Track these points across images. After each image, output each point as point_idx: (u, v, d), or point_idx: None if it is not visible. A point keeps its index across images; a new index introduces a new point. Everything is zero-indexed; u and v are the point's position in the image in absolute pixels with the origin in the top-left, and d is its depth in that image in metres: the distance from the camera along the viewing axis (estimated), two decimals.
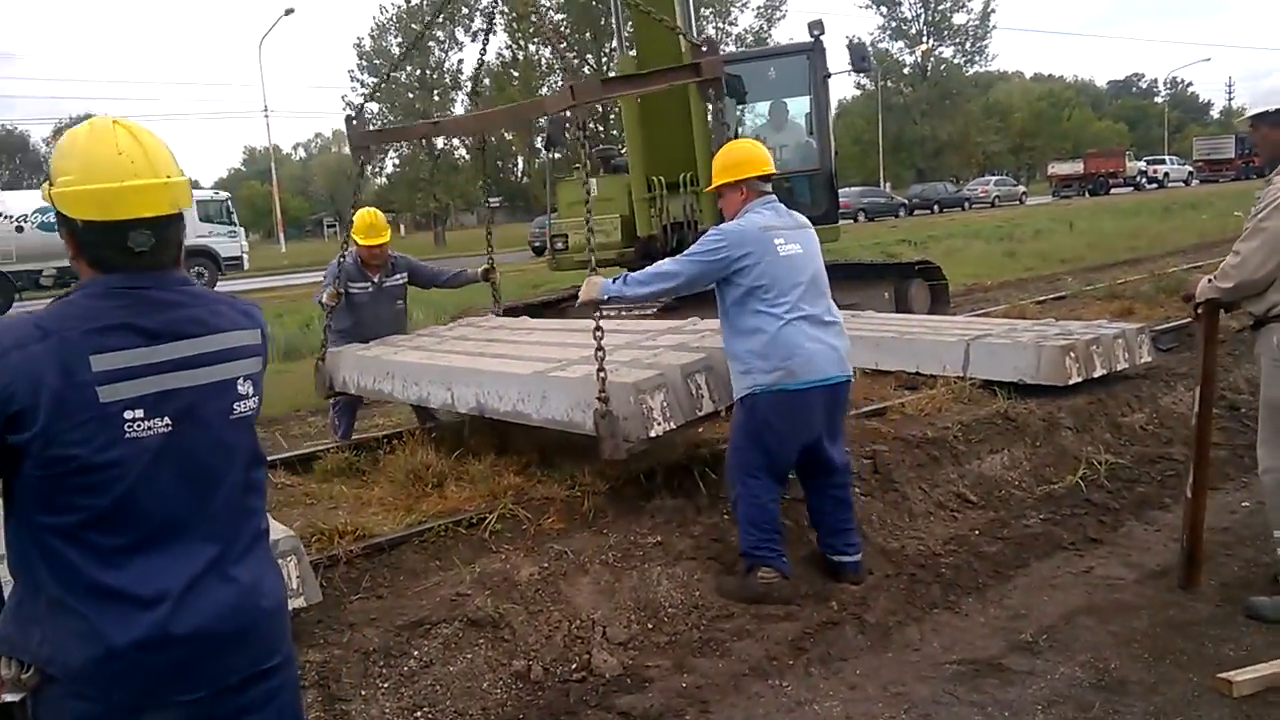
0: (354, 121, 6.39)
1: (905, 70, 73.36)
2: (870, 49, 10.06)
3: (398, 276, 6.85)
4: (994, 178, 60.00)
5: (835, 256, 12.72)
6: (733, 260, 4.18)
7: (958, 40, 71.68)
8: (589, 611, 4.06)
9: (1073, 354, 6.48)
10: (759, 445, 4.28)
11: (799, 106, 10.95)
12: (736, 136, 11.20)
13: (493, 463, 5.28)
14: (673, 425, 4.50)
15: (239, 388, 1.98)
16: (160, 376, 1.85)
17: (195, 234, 29.26)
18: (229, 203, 32.64)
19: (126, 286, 1.86)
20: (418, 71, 55.57)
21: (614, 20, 11.41)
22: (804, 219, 4.55)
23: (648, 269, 4.44)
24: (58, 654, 1.82)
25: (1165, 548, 4.77)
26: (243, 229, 32.80)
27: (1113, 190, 55.14)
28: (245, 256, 30.92)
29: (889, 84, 72.18)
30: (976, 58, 72.70)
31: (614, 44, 11.57)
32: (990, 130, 71.86)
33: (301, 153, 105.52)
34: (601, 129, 46.43)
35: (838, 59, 10.82)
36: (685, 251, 4.37)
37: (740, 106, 11.17)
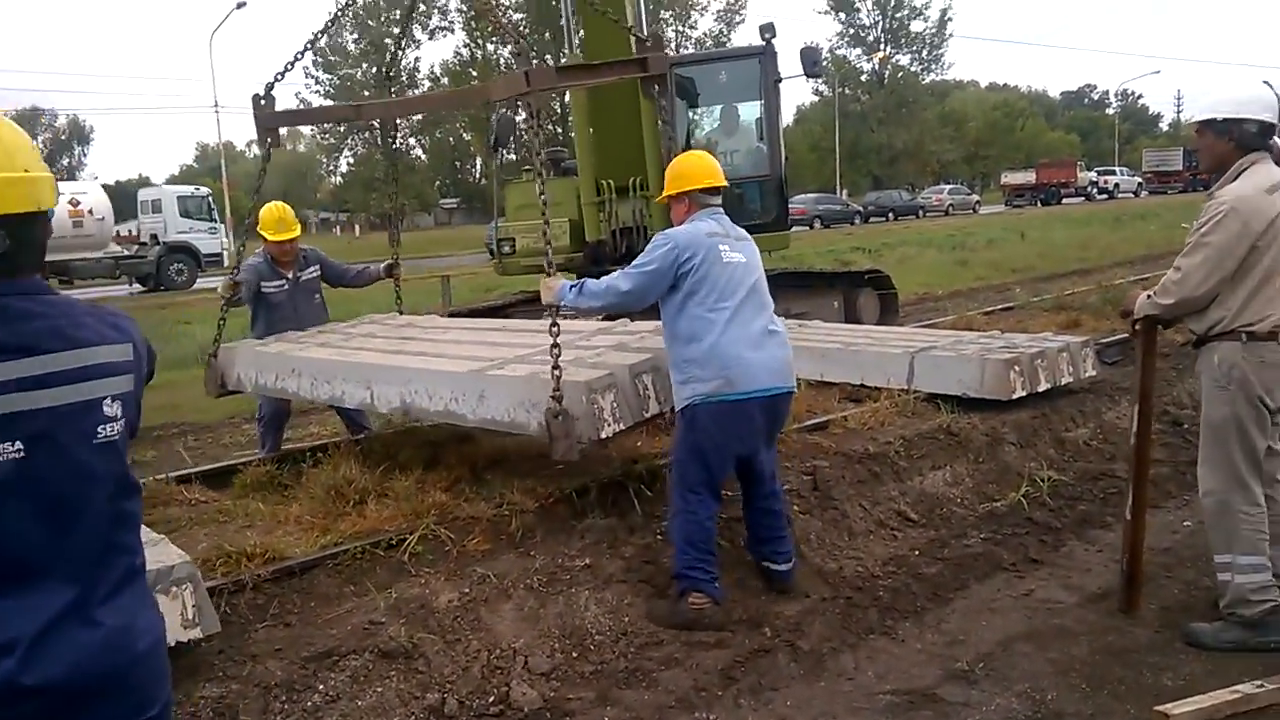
0: (261, 102, 5.87)
1: (863, 78, 74.06)
2: (822, 54, 9.96)
3: (311, 270, 6.61)
4: (948, 186, 60.57)
5: (786, 264, 12.67)
6: (679, 260, 4.11)
7: (915, 48, 72.61)
8: (510, 640, 3.87)
9: (1017, 368, 6.40)
10: (699, 458, 4.16)
11: (750, 111, 10.84)
12: (688, 140, 11.13)
13: (419, 478, 5.06)
14: (622, 426, 4.40)
15: (105, 409, 1.79)
16: (8, 396, 1.65)
17: (176, 230, 29.86)
18: (209, 199, 32.62)
19: None
20: (374, 70, 55.05)
21: (564, 20, 11.23)
22: (745, 233, 4.49)
23: (602, 280, 4.35)
24: None
25: (1106, 569, 4.68)
26: (223, 225, 32.37)
27: (1064, 200, 55.92)
28: (226, 253, 29.97)
29: (846, 91, 72.76)
30: (933, 66, 73.75)
31: (572, 45, 11.33)
32: (945, 139, 72.68)
33: (254, 150, 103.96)
34: (559, 130, 46.22)
35: (792, 64, 10.67)
36: (633, 263, 4.26)
37: (692, 110, 11.04)
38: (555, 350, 4.18)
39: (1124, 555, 4.19)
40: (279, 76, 5.69)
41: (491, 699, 3.61)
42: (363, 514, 4.54)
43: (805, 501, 5.10)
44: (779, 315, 9.74)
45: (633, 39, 6.65)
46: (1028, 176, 59.41)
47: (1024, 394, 6.40)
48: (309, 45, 5.76)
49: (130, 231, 33.95)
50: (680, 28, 62.17)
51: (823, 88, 74.83)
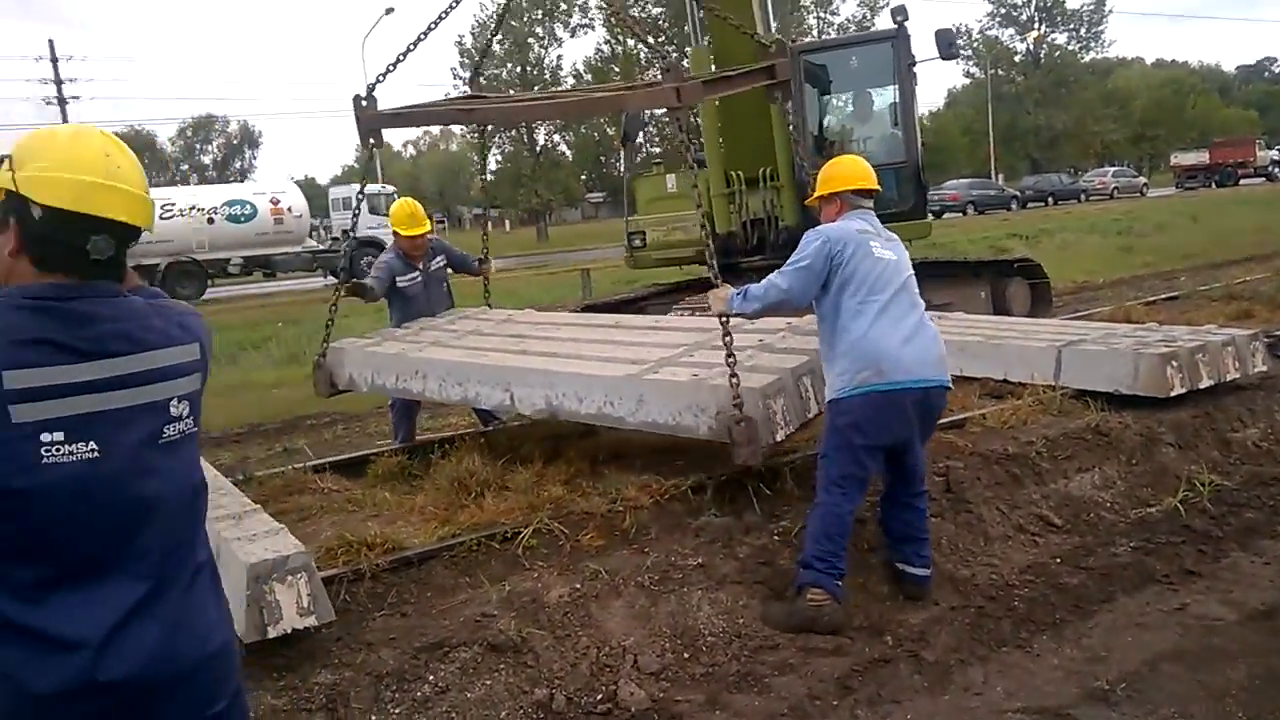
0: (363, 103, 5.88)
1: (1016, 58, 70.92)
2: (958, 36, 9.51)
3: (438, 260, 6.83)
4: (1112, 168, 57.38)
5: (929, 252, 12.21)
6: (831, 254, 4.11)
7: (1072, 26, 68.95)
8: (620, 638, 3.81)
9: (1175, 363, 5.94)
10: (847, 450, 4.09)
11: (884, 97, 10.46)
12: (821, 128, 10.84)
13: (539, 471, 5.07)
14: (791, 429, 4.54)
15: (172, 409, 1.81)
16: (82, 398, 1.68)
17: (366, 225, 31.13)
18: (395, 195, 34.04)
19: (52, 298, 1.70)
20: (518, 69, 56.14)
21: (690, 17, 11.10)
22: (895, 235, 4.47)
23: (761, 283, 4.30)
24: None
25: (1273, 583, 4.28)
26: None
27: (1242, 181, 52.05)
28: None
29: (999, 72, 69.87)
30: (1092, 44, 69.86)
31: (698, 38, 11.21)
32: (1108, 119, 68.74)
33: (411, 150, 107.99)
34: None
35: (929, 47, 10.23)
36: (787, 261, 4.22)
37: (824, 97, 10.74)
38: (731, 360, 4.26)
39: None
40: (380, 78, 5.78)
41: (599, 697, 3.56)
42: (481, 506, 4.57)
43: (937, 504, 4.85)
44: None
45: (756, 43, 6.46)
46: (1200, 157, 55.57)
47: (1183, 391, 5.93)
48: (410, 49, 5.82)
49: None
50: (821, 14, 60.86)
51: (974, 69, 72.27)
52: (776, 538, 4.41)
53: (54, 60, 46.58)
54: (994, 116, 63.25)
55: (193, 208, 28.38)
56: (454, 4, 5.86)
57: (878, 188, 4.46)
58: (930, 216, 10.30)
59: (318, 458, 6.68)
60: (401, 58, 5.92)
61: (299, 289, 28.88)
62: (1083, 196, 49.73)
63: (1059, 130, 67.43)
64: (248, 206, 29.48)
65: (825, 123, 11.02)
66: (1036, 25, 69.48)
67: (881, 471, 4.26)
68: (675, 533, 4.43)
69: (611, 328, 6.32)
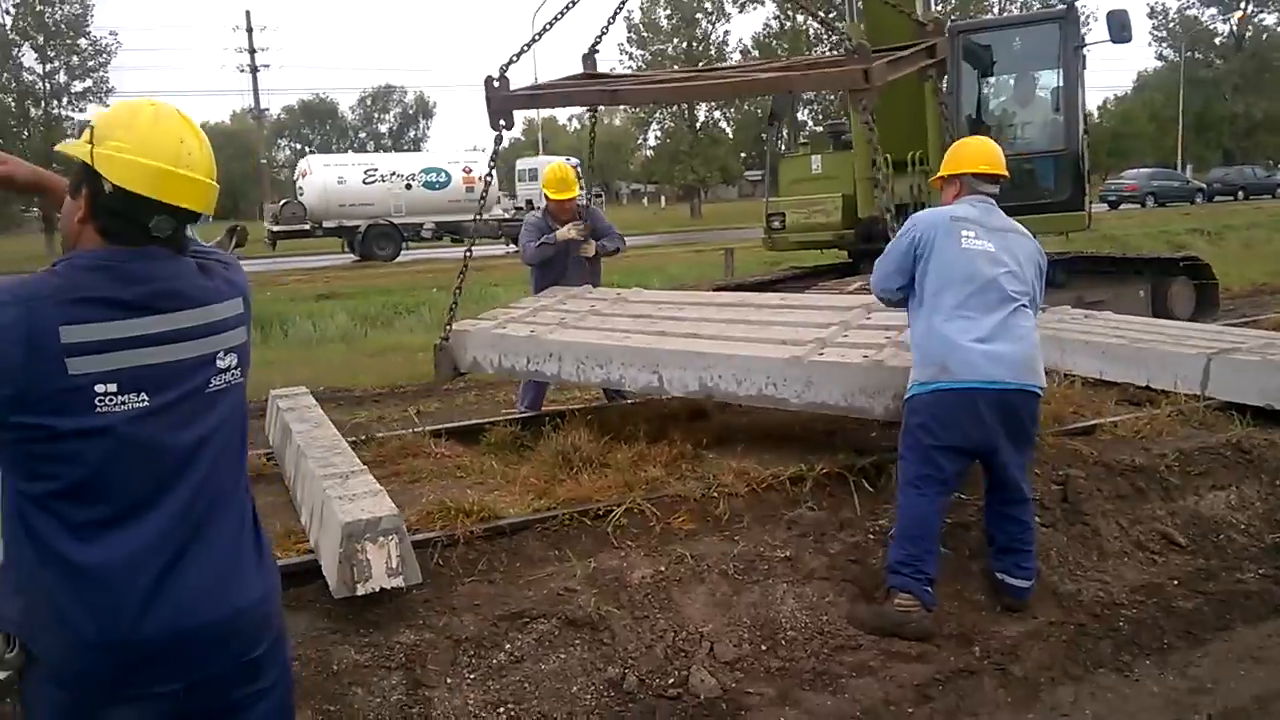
0: (494, 84, 5.85)
1: (1217, 40, 66.10)
2: (1129, 17, 8.91)
3: (582, 224, 6.85)
4: None
5: (1093, 246, 11.59)
6: (917, 243, 4.00)
7: None
8: (698, 624, 3.82)
9: None
10: (918, 450, 3.96)
11: (1048, 80, 9.95)
12: (979, 110, 10.41)
13: (642, 451, 5.12)
14: None
15: (219, 361, 1.94)
16: (135, 351, 1.81)
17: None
18: (579, 168, 35.45)
19: (109, 261, 1.83)
20: (684, 44, 56.06)
21: None
22: (1014, 226, 4.20)
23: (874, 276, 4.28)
24: (36, 634, 1.83)
25: None
26: (590, 191, 36.05)
27: None
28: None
29: (1196, 55, 65.31)
30: None
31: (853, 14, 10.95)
32: None
33: (575, 124, 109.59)
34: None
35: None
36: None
37: (984, 79, 10.31)
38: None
39: None
40: (514, 59, 5.81)
41: (671, 680, 3.58)
42: (579, 481, 4.65)
43: (1050, 514, 4.65)
44: (1071, 304, 8.99)
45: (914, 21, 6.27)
46: None
47: None
48: (544, 31, 5.83)
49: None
50: None
51: (1168, 51, 67.80)
52: (871, 536, 4.32)
53: (249, 30, 49.52)
54: (1186, 102, 59.25)
55: (393, 173, 30.17)
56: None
57: (1004, 173, 4.24)
58: (1088, 209, 9.72)
59: (443, 422, 6.95)
60: (537, 37, 6.00)
61: (484, 254, 30.03)
62: (1278, 191, 46.06)
63: (1258, 120, 62.57)
64: (443, 174, 31.05)
65: (984, 106, 10.59)
66: (1242, 5, 64.57)
67: (962, 473, 4.10)
68: (768, 523, 4.40)
69: (738, 306, 6.28)
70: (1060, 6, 9.48)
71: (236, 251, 6.61)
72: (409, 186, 29.90)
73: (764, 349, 5.01)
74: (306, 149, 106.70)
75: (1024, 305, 4.03)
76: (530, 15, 44.54)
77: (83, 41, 50.81)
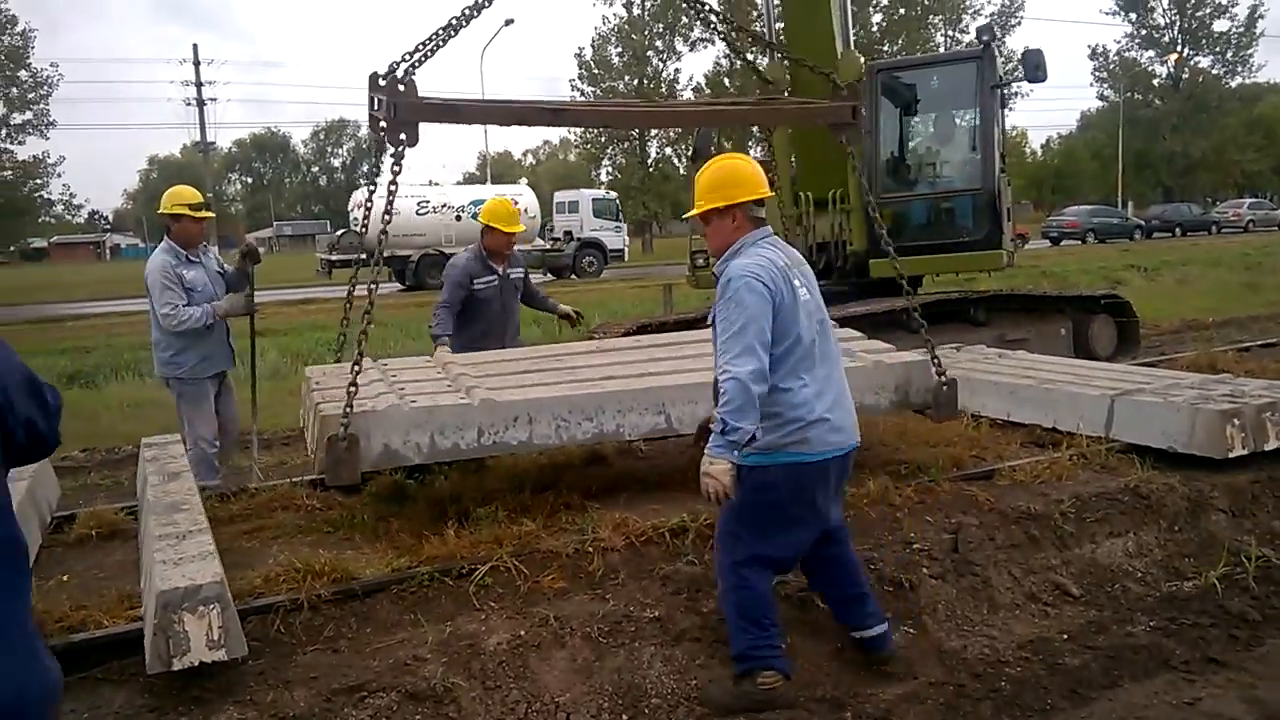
0: (398, 86, 4.51)
1: (1156, 81, 67.90)
2: (1044, 58, 8.94)
3: (518, 270, 6.47)
4: (1248, 200, 54.21)
5: (1008, 284, 11.57)
6: (774, 299, 3.43)
7: (1218, 49, 65.62)
8: (555, 693, 3.58)
9: (1237, 420, 5.39)
10: (764, 527, 3.58)
11: (968, 119, 9.97)
12: (903, 149, 10.40)
13: (524, 501, 4.88)
14: None
15: None
16: None
17: (589, 228, 34.95)
18: (617, 201, 38.45)
19: None
20: (635, 81, 56.40)
21: (768, 22, 10.81)
22: (801, 258, 3.79)
23: (730, 393, 3.31)
24: None
25: None
26: (625, 225, 38.24)
27: None
28: (625, 249, 36.70)
29: (1136, 95, 66.99)
30: (1239, 68, 66.33)
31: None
32: (1250, 148, 65.17)
33: (531, 159, 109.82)
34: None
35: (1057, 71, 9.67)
36: (723, 334, 3.41)
37: (906, 118, 10.30)
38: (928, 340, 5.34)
39: None
40: (423, 54, 4.70)
41: None
42: (444, 539, 4.39)
43: (939, 564, 4.48)
44: (992, 342, 8.92)
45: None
46: None
47: (1245, 452, 5.38)
48: (457, 25, 4.90)
49: None
50: (950, 33, 59.48)
51: (1109, 92, 69.43)
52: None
53: (196, 63, 48.98)
54: (1127, 141, 60.64)
55: (444, 205, 31.46)
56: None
57: (771, 194, 3.81)
58: (1007, 247, 9.70)
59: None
60: (452, 32, 4.87)
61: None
62: (1214, 228, 47.16)
63: (1196, 158, 64.24)
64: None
65: (904, 144, 10.58)
66: (1179, 48, 66.43)
67: (802, 551, 3.73)
68: (643, 579, 4.18)
69: (647, 347, 6.13)
70: (978, 46, 9.48)
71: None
72: (459, 218, 30.68)
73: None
74: (263, 183, 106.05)
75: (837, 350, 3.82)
76: (480, 50, 44.36)
77: (23, 74, 50.06)
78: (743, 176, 3.61)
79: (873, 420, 6.28)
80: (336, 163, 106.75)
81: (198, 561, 3.51)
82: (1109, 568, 4.74)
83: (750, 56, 8.06)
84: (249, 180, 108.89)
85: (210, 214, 6.12)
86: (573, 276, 32.18)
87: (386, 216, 4.80)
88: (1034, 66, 8.98)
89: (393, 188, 4.79)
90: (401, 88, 4.56)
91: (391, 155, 4.62)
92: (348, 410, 4.30)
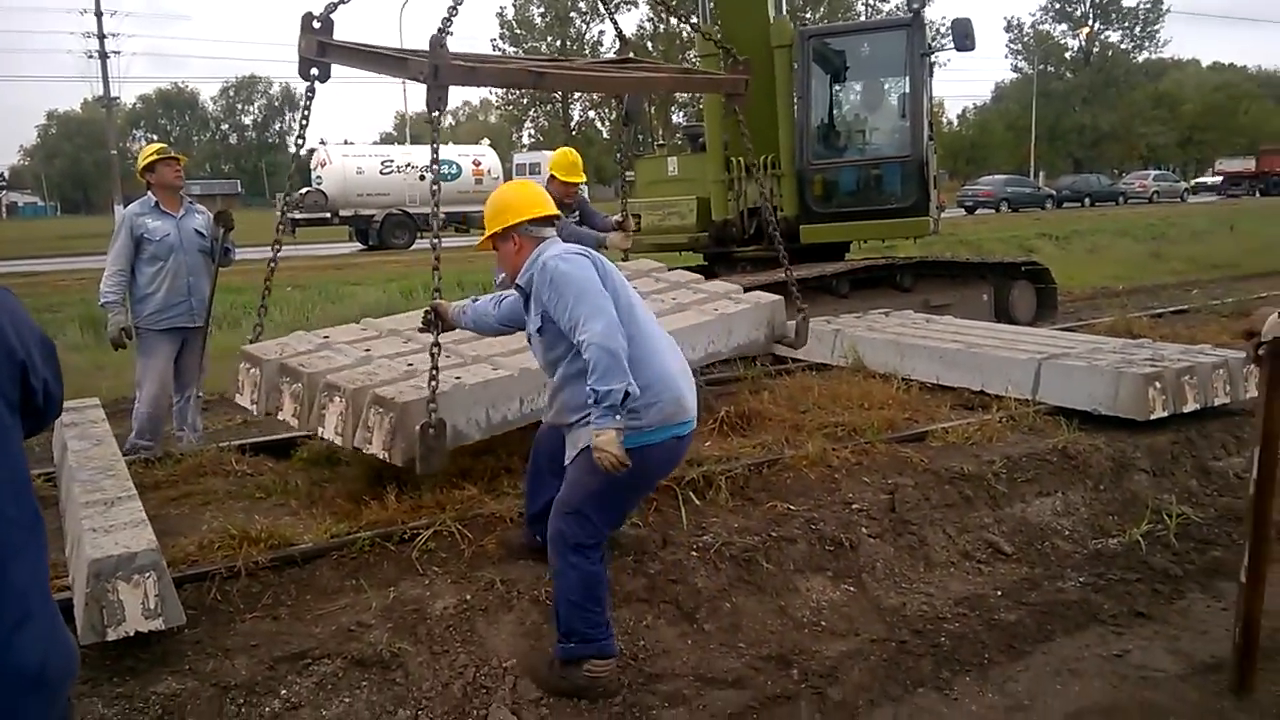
0: (314, 24, 4.65)
1: (1067, 54, 69.61)
2: (973, 26, 9.09)
3: (575, 215, 6.70)
4: (1154, 171, 56.07)
5: (930, 251, 11.79)
6: (600, 270, 3.41)
7: (1126, 24, 67.53)
8: (504, 657, 3.55)
9: (1158, 384, 5.58)
10: (612, 508, 3.49)
11: (897, 86, 10.06)
12: (831, 116, 10.46)
13: (465, 466, 4.81)
14: None
15: None
16: None
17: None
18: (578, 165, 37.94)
19: None
20: (558, 42, 55.76)
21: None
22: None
23: (596, 358, 3.18)
24: None
25: (1227, 632, 3.91)
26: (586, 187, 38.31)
27: None
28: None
29: (1049, 69, 68.59)
30: (1146, 43, 68.40)
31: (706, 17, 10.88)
32: (1156, 121, 67.36)
33: (450, 119, 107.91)
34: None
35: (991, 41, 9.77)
36: (563, 314, 3.32)
37: (835, 85, 10.36)
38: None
39: (1237, 624, 3.48)
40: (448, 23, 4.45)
41: None
42: (384, 503, 4.31)
43: (877, 524, 4.56)
44: (918, 307, 9.07)
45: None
46: (1247, 164, 54.28)
47: (1165, 414, 5.59)
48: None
49: None
50: (871, 1, 59.96)
51: (1023, 64, 70.95)
52: (694, 553, 4.12)
53: (99, 14, 46.77)
54: (1040, 113, 62.10)
55: (408, 164, 31.05)
56: None
57: (557, 213, 3.69)
58: (933, 214, 9.86)
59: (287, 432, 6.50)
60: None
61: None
62: (1121, 199, 48.69)
63: (1104, 130, 66.20)
64: (454, 166, 31.78)
65: (836, 111, 10.64)
66: (1090, 21, 68.13)
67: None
68: None
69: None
70: (908, 14, 9.55)
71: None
72: (423, 177, 29.89)
73: (682, 319, 5.59)
74: (169, 140, 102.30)
75: None
76: (399, 8, 43.32)
77: None
78: (512, 201, 3.58)
79: (807, 384, 6.40)
80: (247, 120, 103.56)
81: (130, 529, 3.38)
82: (1039, 526, 4.87)
83: (675, 20, 8.07)
84: (155, 137, 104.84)
85: (182, 157, 6.07)
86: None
87: (434, 181, 4.50)
88: (963, 35, 9.09)
89: (304, 123, 5.25)
90: (317, 25, 4.74)
91: (432, 115, 4.43)
92: (433, 396, 4.10)
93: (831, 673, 3.65)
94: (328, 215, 30.57)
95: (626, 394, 3.18)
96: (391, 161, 31.51)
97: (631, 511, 3.71)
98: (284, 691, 3.23)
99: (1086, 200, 47.78)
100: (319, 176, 30.67)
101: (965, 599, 4.24)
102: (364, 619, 3.56)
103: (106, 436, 4.77)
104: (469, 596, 3.73)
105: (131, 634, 3.12)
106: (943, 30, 39.06)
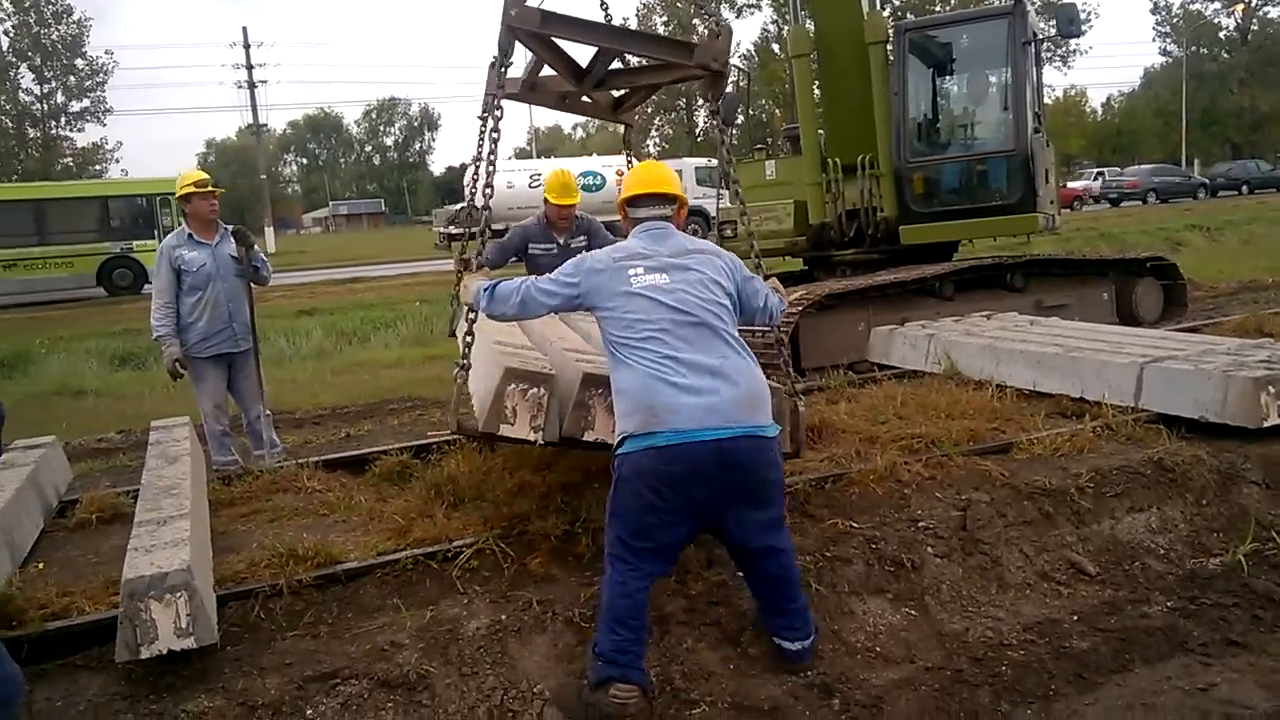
0: (493, 69, 4.49)
1: (1222, 34, 65.52)
2: (1078, 11, 8.61)
3: (580, 239, 6.70)
4: None
5: (1048, 248, 11.18)
6: (581, 292, 3.63)
7: None
8: (533, 679, 3.49)
9: (1272, 388, 5.12)
10: (621, 516, 3.42)
11: (1000, 77, 9.60)
12: (935, 111, 10.07)
13: (524, 480, 4.80)
14: None
15: None
16: None
17: (693, 196, 34.27)
18: (718, 171, 38.81)
19: None
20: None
21: None
22: (703, 244, 3.73)
23: (515, 286, 3.79)
24: None
25: None
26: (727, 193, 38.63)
27: None
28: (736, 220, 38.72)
29: (1201, 50, 64.71)
30: None
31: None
32: None
33: (580, 132, 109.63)
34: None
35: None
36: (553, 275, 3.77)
37: (935, 79, 9.98)
38: None
39: None
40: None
41: None
42: (434, 520, 4.33)
43: (945, 544, 4.31)
44: (1030, 309, 8.65)
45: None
46: None
47: None
48: None
49: None
50: None
51: (1173, 47, 67.22)
52: (740, 574, 3.97)
53: (246, 46, 49.55)
54: (1192, 98, 58.64)
55: None
56: None
57: (668, 190, 3.78)
58: (1050, 210, 9.37)
59: (372, 445, 6.69)
60: None
61: None
62: None
63: (1265, 113, 61.92)
64: (598, 177, 32.38)
65: (941, 105, 10.25)
66: None
67: (681, 544, 3.56)
68: None
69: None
70: (1008, 1, 9.10)
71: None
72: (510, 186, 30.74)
73: None
74: (318, 163, 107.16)
75: (727, 336, 3.52)
76: None
77: (79, 61, 51.09)
78: (625, 183, 3.91)
79: (891, 394, 6.15)
80: (389, 141, 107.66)
81: (169, 549, 3.47)
82: (1129, 544, 4.52)
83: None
84: (304, 161, 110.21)
85: (219, 189, 6.17)
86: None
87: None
88: (1067, 21, 8.62)
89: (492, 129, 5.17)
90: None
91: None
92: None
93: (876, 703, 3.45)
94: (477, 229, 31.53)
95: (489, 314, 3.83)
96: (539, 175, 31.84)
97: (662, 535, 3.42)
98: (309, 711, 3.26)
99: (1244, 188, 44.73)
100: (472, 193, 31.35)
101: (1036, 624, 3.96)
102: (398, 639, 3.56)
103: (183, 455, 4.95)
104: (504, 617, 3.69)
105: (164, 652, 3.21)
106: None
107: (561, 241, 6.60)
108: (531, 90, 5.37)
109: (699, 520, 3.43)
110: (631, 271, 3.56)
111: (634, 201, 3.83)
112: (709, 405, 3.30)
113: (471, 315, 4.09)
